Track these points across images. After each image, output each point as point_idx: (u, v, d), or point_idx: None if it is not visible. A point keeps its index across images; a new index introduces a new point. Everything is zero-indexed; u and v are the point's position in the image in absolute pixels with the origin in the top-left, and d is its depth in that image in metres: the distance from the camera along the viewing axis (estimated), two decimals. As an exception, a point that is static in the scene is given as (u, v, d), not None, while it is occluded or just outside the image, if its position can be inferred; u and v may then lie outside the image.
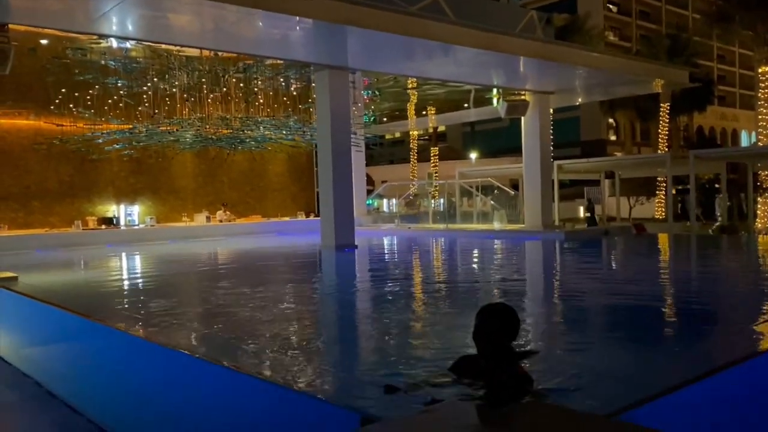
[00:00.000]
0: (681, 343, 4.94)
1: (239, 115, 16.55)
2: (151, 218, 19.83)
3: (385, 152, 57.52)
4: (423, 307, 6.93)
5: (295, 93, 16.43)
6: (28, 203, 18.56)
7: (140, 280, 10.52)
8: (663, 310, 6.59)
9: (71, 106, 15.71)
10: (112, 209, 19.91)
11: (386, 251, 15.15)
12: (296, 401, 3.36)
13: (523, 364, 3.52)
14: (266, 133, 17.54)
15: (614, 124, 53.31)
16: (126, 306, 7.23)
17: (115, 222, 19.09)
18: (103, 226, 18.45)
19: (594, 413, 2.74)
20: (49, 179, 18.92)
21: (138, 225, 19.63)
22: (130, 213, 19.97)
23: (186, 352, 4.56)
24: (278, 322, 5.95)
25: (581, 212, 25.32)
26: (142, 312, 6.72)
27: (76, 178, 19.34)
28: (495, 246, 14.90)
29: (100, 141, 17.38)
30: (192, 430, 4.22)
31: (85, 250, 15.73)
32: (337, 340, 5.45)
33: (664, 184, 26.97)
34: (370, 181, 32.49)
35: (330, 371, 4.14)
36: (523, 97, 17.80)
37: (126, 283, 10.12)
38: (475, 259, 12.72)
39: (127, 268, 12.97)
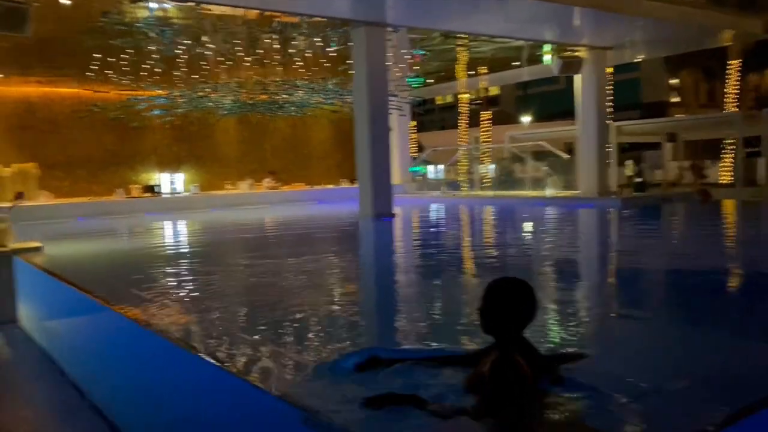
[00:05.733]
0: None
1: (276, 79, 15.96)
2: (194, 186, 19.65)
3: (436, 118, 56.34)
4: (459, 285, 6.22)
5: (333, 54, 15.68)
6: (73, 172, 18.62)
7: (171, 250, 10.17)
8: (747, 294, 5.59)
9: (108, 72, 15.42)
10: (155, 177, 19.83)
11: (426, 220, 14.41)
12: (282, 411, 2.75)
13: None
14: (304, 97, 16.94)
15: (677, 85, 50.42)
16: (143, 280, 6.74)
17: (158, 190, 18.99)
18: (147, 194, 18.36)
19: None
20: (93, 147, 18.91)
21: (181, 193, 19.49)
22: (174, 181, 19.85)
23: (181, 345, 3.98)
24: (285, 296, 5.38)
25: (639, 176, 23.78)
26: (157, 289, 6.25)
27: (119, 146, 19.29)
28: (545, 214, 14.00)
29: (139, 108, 17.14)
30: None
31: (126, 218, 15.61)
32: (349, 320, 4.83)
33: (732, 147, 25.18)
34: (420, 147, 31.66)
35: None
36: (577, 53, 16.62)
37: (154, 252, 9.75)
38: (521, 229, 11.89)
39: (161, 236, 12.70)
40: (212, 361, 3.44)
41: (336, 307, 5.15)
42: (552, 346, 3.50)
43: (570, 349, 3.38)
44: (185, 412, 3.85)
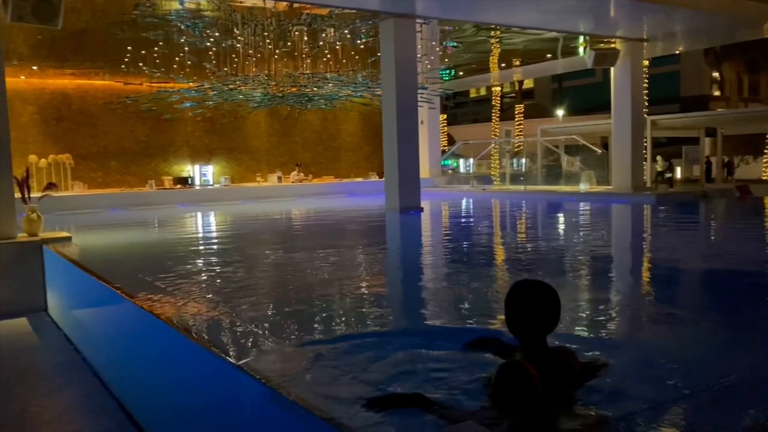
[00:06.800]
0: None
1: (306, 72, 15.93)
2: (225, 178, 19.80)
3: (469, 111, 55.89)
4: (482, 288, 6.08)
5: (362, 47, 15.57)
6: (106, 163, 18.91)
7: (198, 242, 10.19)
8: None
9: (140, 64, 15.58)
10: (187, 169, 20.02)
11: (454, 214, 14.22)
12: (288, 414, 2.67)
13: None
14: (334, 90, 16.88)
15: (719, 78, 48.96)
16: (168, 271, 6.72)
17: (190, 182, 19.17)
18: (178, 186, 18.55)
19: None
20: (126, 139, 19.17)
21: (212, 185, 19.66)
22: (205, 173, 20.03)
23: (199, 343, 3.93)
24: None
25: (678, 173, 23.12)
26: (181, 281, 6.24)
27: (151, 138, 19.52)
28: (577, 209, 13.70)
29: (171, 100, 17.28)
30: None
31: (157, 209, 15.77)
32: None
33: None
34: (452, 141, 31.43)
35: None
36: (613, 45, 16.21)
37: (182, 243, 9.79)
38: (552, 225, 11.65)
39: (190, 227, 12.78)
40: (229, 358, 3.38)
41: (363, 300, 5.07)
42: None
43: (595, 357, 3.22)
44: (202, 407, 3.81)
